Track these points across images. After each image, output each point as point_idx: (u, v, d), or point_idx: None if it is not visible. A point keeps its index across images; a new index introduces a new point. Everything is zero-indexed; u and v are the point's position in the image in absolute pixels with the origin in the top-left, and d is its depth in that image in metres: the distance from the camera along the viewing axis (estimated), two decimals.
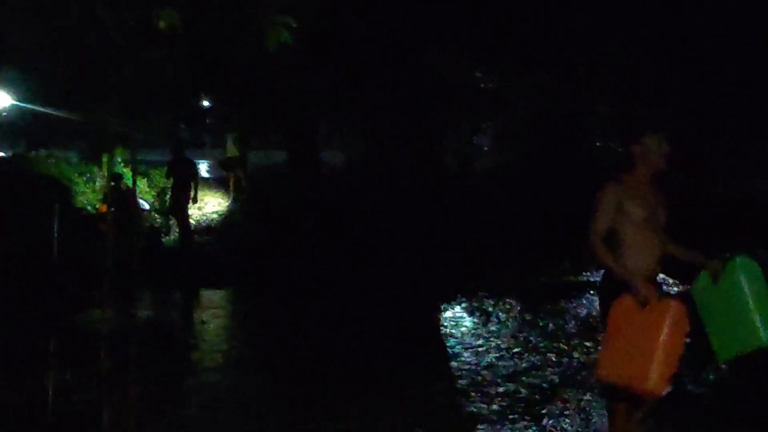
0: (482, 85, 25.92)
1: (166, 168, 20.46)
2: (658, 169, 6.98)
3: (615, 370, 6.53)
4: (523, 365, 11.36)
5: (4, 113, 24.69)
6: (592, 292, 15.93)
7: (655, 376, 6.28)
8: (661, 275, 16.62)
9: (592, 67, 23.77)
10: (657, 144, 6.91)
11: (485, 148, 28.89)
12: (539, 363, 11.47)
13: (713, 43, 19.52)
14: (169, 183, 20.05)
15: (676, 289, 16.32)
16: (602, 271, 7.13)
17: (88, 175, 21.88)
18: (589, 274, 17.53)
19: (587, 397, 9.98)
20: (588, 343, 12.44)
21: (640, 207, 6.85)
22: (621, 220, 6.84)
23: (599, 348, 12.11)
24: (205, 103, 25.27)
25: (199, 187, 20.52)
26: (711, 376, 10.94)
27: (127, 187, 19.12)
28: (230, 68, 17.13)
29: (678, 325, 6.39)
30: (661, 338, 6.28)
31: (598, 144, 25.79)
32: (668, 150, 6.93)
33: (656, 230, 6.93)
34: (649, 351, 6.29)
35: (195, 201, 20.16)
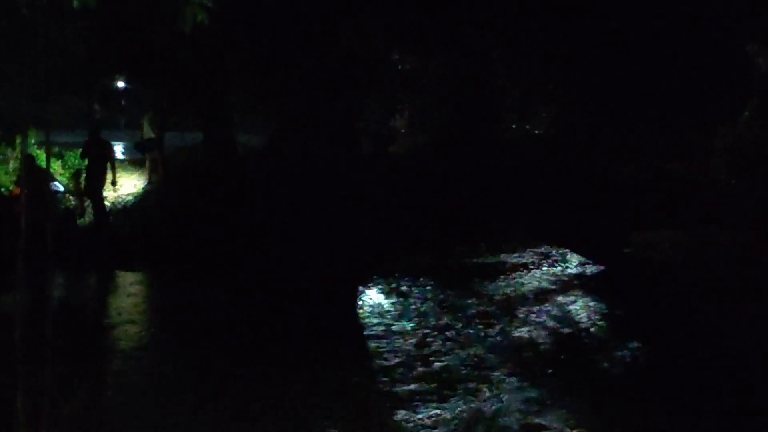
0: (399, 67, 25.99)
1: (80, 149, 20.19)
2: None
3: None
4: (439, 346, 11.48)
5: None
6: (507, 273, 16.16)
7: None
8: (576, 255, 17.03)
9: (506, 50, 24.01)
10: None
11: (402, 131, 28.97)
12: (455, 343, 11.61)
13: (626, 29, 19.92)
14: (84, 164, 19.81)
15: (588, 267, 16.66)
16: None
17: (1, 156, 21.51)
18: (505, 255, 17.75)
19: (502, 376, 10.15)
20: (502, 323, 12.61)
21: None
22: None
23: (516, 327, 12.37)
24: (120, 84, 24.96)
25: (115, 168, 20.29)
26: (624, 355, 11.20)
27: (40, 168, 18.87)
28: (145, 48, 16.93)
29: None
30: None
31: (513, 126, 26.07)
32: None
33: None
34: None
35: (114, 183, 19.94)
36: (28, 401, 7.49)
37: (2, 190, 20.18)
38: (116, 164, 20.51)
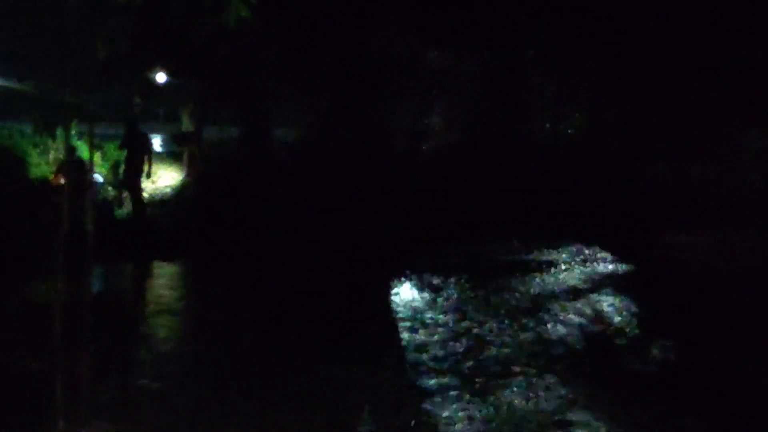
0: (434, 65, 26.01)
1: (119, 141, 20.38)
2: None
3: None
4: (470, 342, 11.54)
5: None
6: (539, 270, 16.19)
7: None
8: (607, 254, 17.01)
9: (540, 50, 24.02)
10: None
11: (436, 128, 28.99)
12: (486, 340, 11.66)
13: (659, 31, 19.90)
14: (123, 156, 20.01)
15: (620, 266, 16.64)
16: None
17: (42, 147, 21.76)
18: (537, 252, 17.77)
19: (533, 372, 10.20)
20: (534, 321, 12.65)
21: None
22: None
23: (546, 325, 12.41)
24: (160, 77, 25.11)
25: (153, 161, 20.45)
26: (654, 354, 11.21)
27: (80, 159, 19.07)
28: (186, 42, 17.09)
29: None
30: None
31: (547, 125, 26.05)
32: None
33: None
34: None
35: (149, 175, 20.12)
36: (66, 388, 7.65)
37: (42, 179, 20.45)
38: (153, 157, 20.70)
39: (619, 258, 17.33)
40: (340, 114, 23.29)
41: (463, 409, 8.86)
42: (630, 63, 21.40)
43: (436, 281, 15.23)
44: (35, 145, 21.77)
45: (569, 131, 25.80)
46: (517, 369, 10.36)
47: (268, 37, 19.78)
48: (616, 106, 23.07)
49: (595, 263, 17.15)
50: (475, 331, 12.07)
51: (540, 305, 13.68)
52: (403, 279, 15.46)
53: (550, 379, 10.01)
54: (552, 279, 15.72)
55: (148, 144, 20.27)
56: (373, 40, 21.94)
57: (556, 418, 8.77)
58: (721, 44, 19.59)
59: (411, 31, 22.58)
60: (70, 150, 17.37)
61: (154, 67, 23.25)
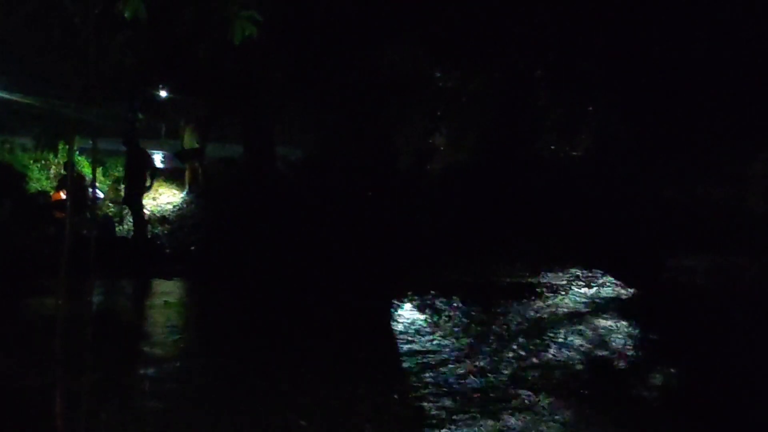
0: (440, 85, 26.05)
1: (121, 157, 20.38)
2: None
3: None
4: (472, 364, 11.48)
5: None
6: (542, 293, 16.14)
7: None
8: (610, 278, 16.96)
9: (548, 71, 24.04)
10: None
11: (441, 148, 29.03)
12: (488, 362, 11.60)
13: (669, 54, 19.90)
14: (124, 172, 20.02)
15: (624, 290, 16.59)
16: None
17: (43, 162, 21.75)
18: (540, 275, 17.73)
19: (538, 396, 10.14)
20: (536, 344, 12.60)
21: None
22: None
23: (549, 348, 12.35)
24: (163, 93, 25.12)
25: (155, 177, 20.45)
26: (658, 379, 11.16)
27: (81, 175, 19.06)
28: (191, 59, 17.10)
29: None
30: None
31: (552, 147, 26.05)
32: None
33: None
34: None
35: (148, 190, 20.02)
36: (66, 404, 7.60)
37: (43, 194, 20.41)
38: (156, 174, 20.67)
39: (623, 282, 17.28)
40: (344, 132, 23.31)
41: None
42: (638, 85, 21.40)
43: (438, 303, 15.17)
44: (35, 160, 21.77)
45: (575, 153, 25.82)
46: (518, 392, 10.31)
47: (273, 54, 19.77)
48: (623, 128, 23.07)
49: (599, 287, 17.09)
50: (477, 353, 12.02)
51: (543, 328, 13.63)
52: (405, 300, 15.40)
53: (552, 402, 9.95)
54: (555, 302, 15.66)
55: (150, 161, 20.23)
56: (379, 58, 21.95)
57: None
58: (732, 68, 19.59)
59: (418, 50, 22.59)
60: (72, 165, 17.34)
61: (158, 82, 23.27)
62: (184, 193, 24.03)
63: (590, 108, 24.71)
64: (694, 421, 9.66)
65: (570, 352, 12.32)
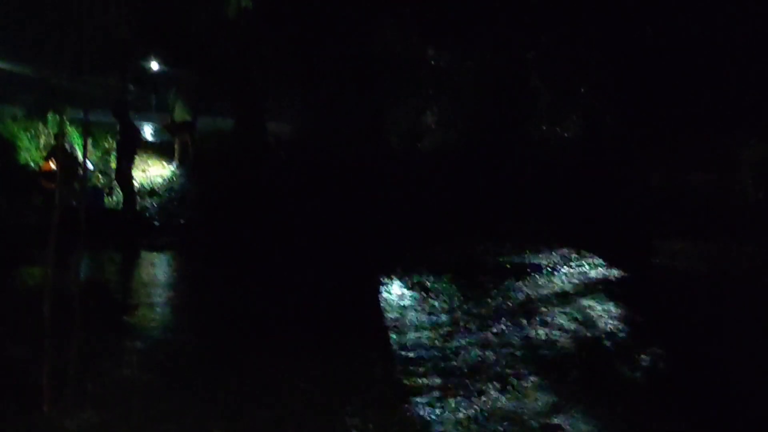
0: (432, 63, 25.99)
1: (111, 128, 20.33)
2: None
3: None
4: (459, 342, 11.51)
5: None
6: (530, 273, 16.18)
7: None
8: (599, 260, 16.99)
9: (541, 53, 24.02)
10: None
11: (431, 127, 28.96)
12: (475, 341, 11.63)
13: (661, 38, 19.92)
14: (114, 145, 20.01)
15: (611, 272, 16.63)
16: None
17: (33, 131, 21.65)
18: (529, 255, 17.76)
19: (521, 375, 10.18)
20: (524, 324, 12.63)
21: None
22: None
23: (537, 328, 12.39)
24: (155, 66, 25.05)
25: (144, 150, 20.46)
26: (644, 360, 11.21)
27: (72, 145, 19.00)
28: (184, 31, 17.06)
29: None
30: None
31: (543, 128, 26.02)
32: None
33: None
34: None
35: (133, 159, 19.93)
36: (52, 375, 7.60)
37: (32, 165, 20.37)
38: (144, 147, 20.66)
39: (611, 264, 17.30)
40: (335, 109, 23.27)
41: (449, 410, 8.82)
42: (629, 69, 21.41)
43: (427, 281, 15.19)
44: (25, 130, 21.67)
45: (565, 134, 25.78)
46: (505, 371, 10.33)
47: (266, 29, 19.72)
48: (615, 110, 23.08)
49: (587, 268, 17.11)
50: (464, 332, 12.04)
51: (530, 308, 13.65)
52: (393, 277, 15.42)
53: (538, 382, 9.98)
54: (543, 282, 15.68)
55: (136, 133, 20.20)
56: (372, 36, 21.91)
57: (543, 421, 8.74)
58: (722, 53, 19.60)
59: (410, 28, 22.55)
60: (62, 136, 17.29)
61: (150, 55, 23.22)
62: (174, 166, 23.97)
63: (581, 90, 24.66)
64: (678, 401, 9.71)
65: (557, 331, 12.35)
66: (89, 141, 22.26)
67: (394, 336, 11.71)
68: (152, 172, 23.31)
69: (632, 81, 21.58)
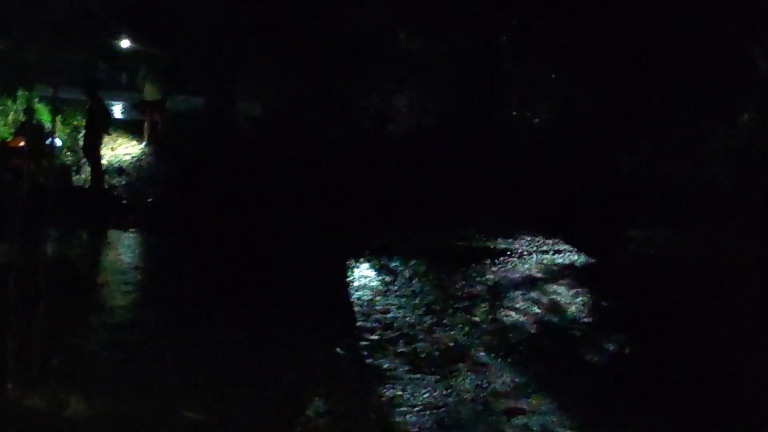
0: (404, 47, 25.94)
1: (80, 105, 20.20)
2: None
3: None
4: (425, 325, 11.55)
5: None
6: (498, 258, 16.22)
7: None
8: (568, 246, 17.08)
9: (512, 37, 24.05)
10: None
11: (403, 110, 28.94)
12: (441, 324, 11.68)
13: (631, 26, 20.00)
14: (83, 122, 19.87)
15: (579, 258, 16.72)
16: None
17: (1, 107, 21.45)
18: (497, 240, 17.81)
19: (486, 358, 10.22)
20: (490, 308, 12.68)
21: None
22: None
23: (504, 312, 12.45)
24: (125, 43, 24.88)
25: (113, 128, 20.36)
26: (609, 346, 11.28)
27: (39, 122, 18.86)
28: (156, 8, 16.96)
29: None
30: None
31: (513, 113, 26.06)
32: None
33: None
34: None
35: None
36: (17, 351, 7.56)
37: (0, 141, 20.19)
38: (114, 125, 20.55)
39: (580, 250, 17.38)
40: (306, 90, 23.21)
41: (417, 393, 8.84)
42: (601, 55, 21.48)
43: (394, 264, 15.20)
44: None
45: (536, 120, 25.83)
46: (471, 354, 10.38)
47: (237, 7, 19.64)
48: (586, 97, 23.15)
49: (555, 254, 17.17)
50: (431, 315, 12.07)
51: (497, 293, 13.71)
52: (361, 260, 15.42)
53: (504, 366, 10.03)
54: (511, 267, 15.74)
55: (106, 111, 20.10)
56: (345, 16, 21.86)
57: (509, 404, 8.78)
58: (694, 41, 19.72)
59: (383, 10, 22.51)
60: (29, 112, 17.19)
61: (120, 31, 23.07)
62: (143, 144, 23.84)
63: (553, 75, 24.72)
64: (643, 386, 9.78)
65: (524, 316, 12.41)
66: (58, 118, 22.15)
67: (362, 318, 11.72)
68: (121, 150, 23.17)
69: (604, 68, 21.64)
